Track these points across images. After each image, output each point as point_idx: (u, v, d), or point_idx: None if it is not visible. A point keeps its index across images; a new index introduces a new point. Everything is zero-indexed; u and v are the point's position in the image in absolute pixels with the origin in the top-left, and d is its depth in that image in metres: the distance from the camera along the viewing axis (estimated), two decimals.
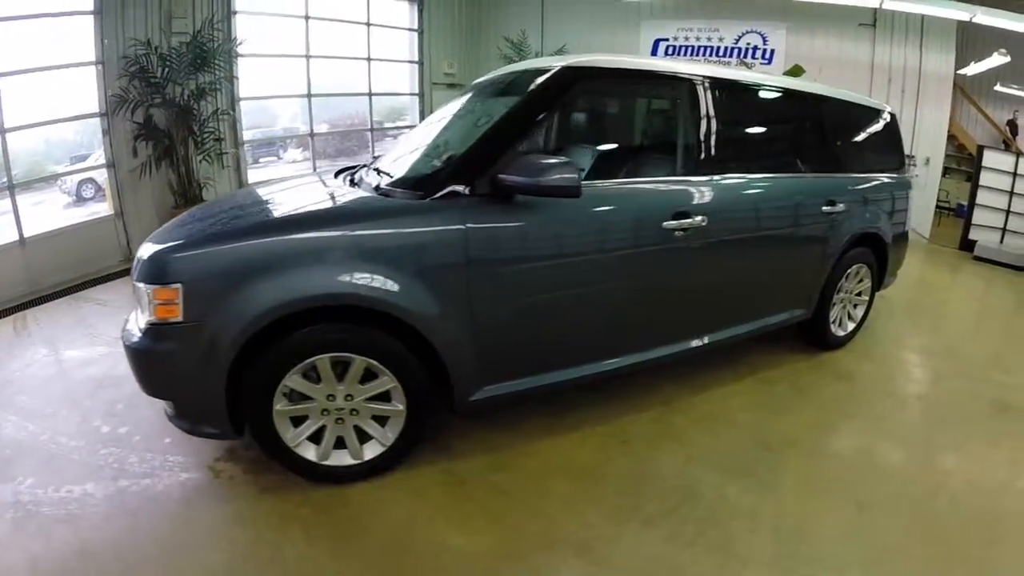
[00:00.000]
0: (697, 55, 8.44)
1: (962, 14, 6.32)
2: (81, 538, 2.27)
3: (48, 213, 8.00)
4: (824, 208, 3.70)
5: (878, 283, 4.40)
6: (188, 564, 2.14)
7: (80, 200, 8.58)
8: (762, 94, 3.59)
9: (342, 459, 2.56)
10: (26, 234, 5.82)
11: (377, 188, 2.71)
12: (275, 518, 2.39)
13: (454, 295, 2.44)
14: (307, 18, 8.04)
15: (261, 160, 10.46)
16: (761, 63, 7.84)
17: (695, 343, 3.35)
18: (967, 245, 7.07)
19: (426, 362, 2.51)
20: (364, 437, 2.59)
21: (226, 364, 2.23)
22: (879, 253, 4.26)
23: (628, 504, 2.58)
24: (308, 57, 8.17)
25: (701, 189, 3.09)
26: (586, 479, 2.73)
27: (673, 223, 2.90)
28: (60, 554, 2.19)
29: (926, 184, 7.44)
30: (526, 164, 2.42)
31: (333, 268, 2.28)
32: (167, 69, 6.55)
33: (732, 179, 3.24)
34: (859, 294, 4.29)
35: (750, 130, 3.63)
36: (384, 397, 2.52)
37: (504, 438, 3.00)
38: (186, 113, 6.83)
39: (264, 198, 2.99)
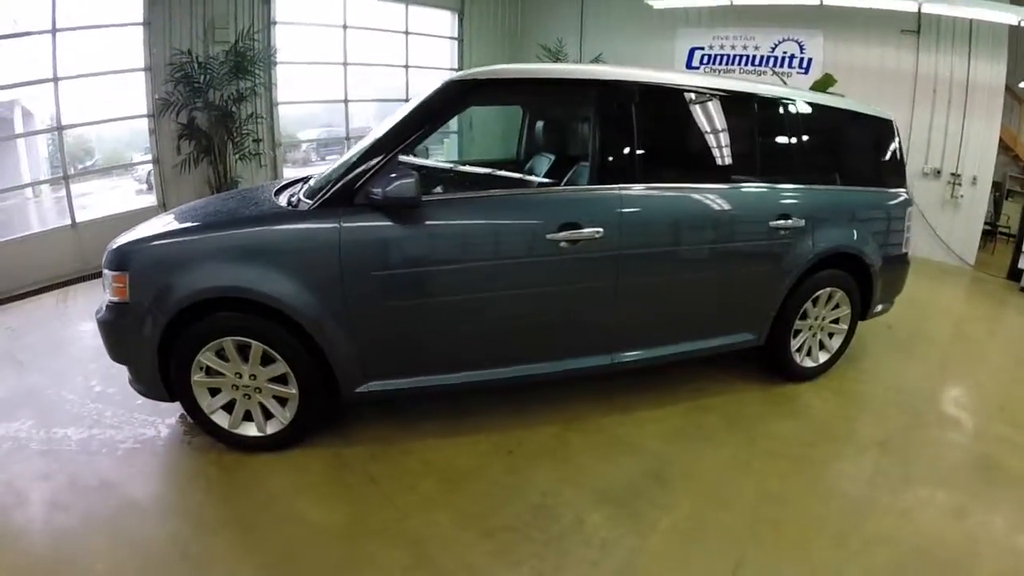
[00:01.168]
0: (732, 64, 7.96)
1: (1011, 17, 5.63)
2: (50, 467, 2.83)
3: (119, 197, 8.82)
4: (773, 223, 3.32)
5: (863, 311, 3.88)
6: (114, 494, 2.63)
7: (150, 188, 9.43)
8: (693, 98, 3.25)
9: (249, 430, 2.88)
10: (78, 219, 6.45)
11: (290, 198, 2.95)
12: (191, 471, 2.84)
13: (332, 295, 2.63)
14: (345, 27, 8.40)
15: (328, 158, 11.04)
16: (798, 72, 7.30)
17: (599, 361, 3.16)
18: (1015, 274, 6.25)
19: (314, 353, 2.71)
20: (269, 414, 2.87)
21: (156, 340, 2.63)
22: (861, 277, 3.74)
23: (478, 512, 2.55)
24: (345, 64, 8.40)
25: (600, 200, 2.91)
26: (454, 483, 2.75)
27: (559, 235, 2.78)
28: (32, 477, 2.76)
29: (972, 205, 6.68)
30: (380, 177, 2.59)
31: (228, 266, 2.59)
32: (208, 76, 7.07)
33: (643, 190, 3.00)
34: (835, 322, 3.80)
35: (673, 137, 3.32)
36: (283, 380, 2.77)
37: (399, 434, 3.11)
38: (225, 116, 7.31)
39: (213, 204, 3.25)
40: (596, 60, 9.06)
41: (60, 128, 6.70)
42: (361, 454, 2.93)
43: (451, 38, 9.70)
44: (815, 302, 3.64)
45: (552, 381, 3.27)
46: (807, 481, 2.89)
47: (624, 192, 2.95)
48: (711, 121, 3.28)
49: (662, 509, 2.62)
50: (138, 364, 2.77)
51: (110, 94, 7.24)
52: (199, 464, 2.86)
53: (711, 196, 3.22)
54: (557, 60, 9.11)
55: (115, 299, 2.67)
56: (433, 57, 9.63)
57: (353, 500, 2.62)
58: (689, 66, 8.25)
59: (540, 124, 3.89)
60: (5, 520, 2.51)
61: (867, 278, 3.77)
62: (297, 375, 2.73)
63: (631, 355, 3.22)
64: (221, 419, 2.85)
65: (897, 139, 3.97)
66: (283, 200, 2.96)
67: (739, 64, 7.80)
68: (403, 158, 2.77)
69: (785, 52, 7.42)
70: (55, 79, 6.46)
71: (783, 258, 3.41)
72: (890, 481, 2.89)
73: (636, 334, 3.24)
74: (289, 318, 2.61)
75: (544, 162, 3.69)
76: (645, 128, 3.04)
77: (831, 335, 3.86)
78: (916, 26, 6.50)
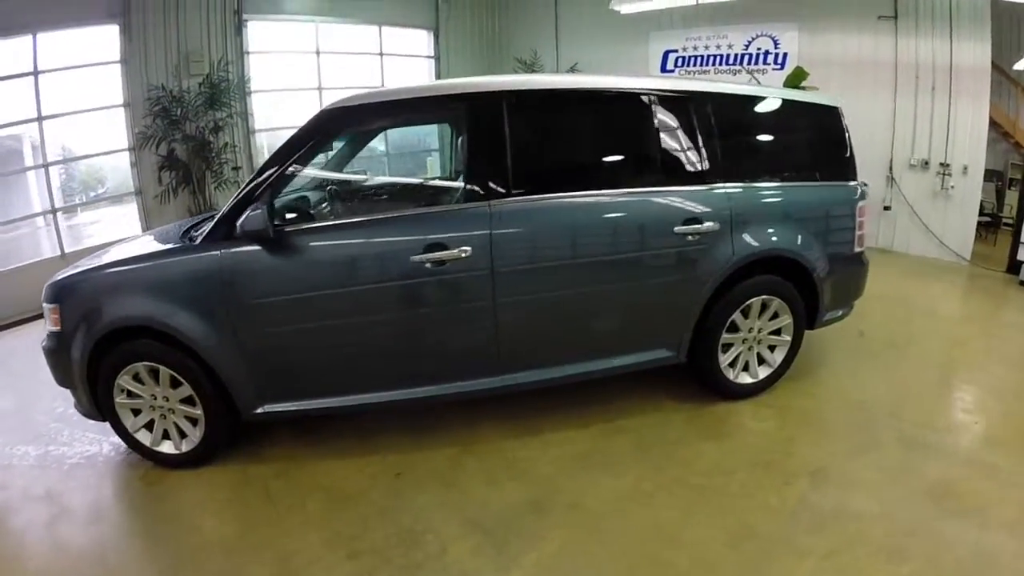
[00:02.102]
0: (707, 65, 7.57)
1: None
2: (7, 478, 3.11)
3: (126, 224, 9.00)
4: (679, 228, 2.99)
5: (810, 319, 3.48)
6: (55, 503, 2.88)
7: None
8: (575, 101, 3.03)
9: (167, 448, 3.02)
10: (67, 249, 6.59)
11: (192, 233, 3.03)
12: (120, 484, 3.06)
13: (220, 323, 2.72)
14: (318, 53, 8.40)
15: None
16: (774, 69, 6.90)
17: (488, 383, 2.98)
18: (1015, 267, 5.70)
19: (214, 376, 2.81)
20: (184, 433, 2.99)
21: (84, 366, 2.81)
22: (802, 282, 3.34)
23: (350, 534, 2.52)
24: (320, 89, 8.34)
25: (467, 217, 2.78)
26: (337, 503, 2.74)
27: (424, 256, 2.69)
28: None
29: (964, 196, 6.16)
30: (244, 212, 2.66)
31: (134, 299, 2.76)
32: (183, 109, 7.13)
33: (520, 203, 2.81)
34: (777, 333, 3.41)
35: (554, 144, 3.07)
36: (192, 401, 2.88)
37: (305, 452, 3.14)
38: (203, 146, 7.34)
39: (130, 243, 3.39)
40: (572, 69, 8.88)
41: (47, 165, 6.87)
42: (266, 472, 2.99)
43: (428, 57, 9.61)
44: (746, 313, 3.27)
45: (444, 403, 3.17)
46: (713, 516, 2.52)
47: (495, 207, 2.77)
48: (598, 124, 3.04)
49: (535, 541, 2.41)
50: (76, 388, 2.94)
51: (103, 127, 7.40)
52: (128, 478, 3.07)
53: (601, 204, 2.97)
54: (533, 72, 8.99)
55: (52, 329, 2.87)
56: (411, 77, 9.52)
57: (247, 516, 2.69)
58: (664, 69, 7.92)
59: (409, 145, 3.81)
60: None
61: (810, 284, 3.36)
62: (201, 397, 2.84)
63: (523, 377, 3.01)
64: (144, 437, 3.00)
65: (844, 128, 3.54)
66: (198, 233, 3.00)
67: (714, 64, 7.45)
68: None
69: (760, 49, 7.06)
70: (39, 118, 6.62)
71: (695, 266, 3.08)
72: (816, 517, 2.49)
73: (526, 355, 3.02)
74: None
75: (409, 184, 3.60)
76: (520, 138, 2.85)
77: (773, 348, 3.46)
78: (893, 11, 6.08)
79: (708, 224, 3.04)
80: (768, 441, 3.10)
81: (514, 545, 2.39)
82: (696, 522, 2.49)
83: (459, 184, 2.93)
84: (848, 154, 3.57)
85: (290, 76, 8.26)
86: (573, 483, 2.77)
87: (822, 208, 3.45)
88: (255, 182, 2.72)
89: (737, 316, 3.26)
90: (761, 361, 3.47)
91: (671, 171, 3.12)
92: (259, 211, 2.59)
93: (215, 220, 2.76)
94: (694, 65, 7.67)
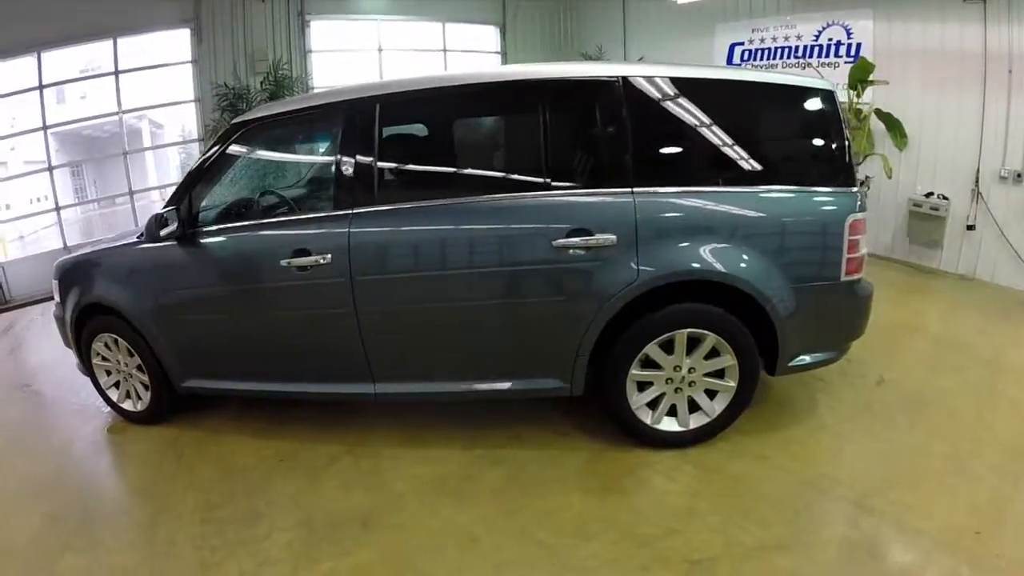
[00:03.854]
0: (774, 58, 6.71)
1: None
2: (18, 412, 3.90)
3: None
4: (560, 241, 2.54)
5: (770, 363, 2.82)
6: (40, 431, 3.64)
7: None
8: (444, 100, 2.75)
9: (127, 405, 3.48)
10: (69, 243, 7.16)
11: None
12: (94, 428, 3.58)
13: (153, 308, 3.06)
14: (380, 50, 8.55)
15: None
16: (846, 62, 5.89)
17: (363, 389, 2.92)
18: None
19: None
20: (140, 395, 3.41)
21: (73, 331, 3.36)
22: (753, 315, 2.66)
23: (215, 503, 2.76)
24: None
25: (329, 224, 2.73)
26: (225, 474, 2.99)
27: (292, 260, 2.72)
28: (36, 410, 3.95)
29: None
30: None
31: (97, 282, 3.24)
32: (247, 104, 7.61)
33: (380, 210, 2.71)
34: (719, 375, 2.78)
35: (420, 148, 2.93)
36: (142, 370, 3.28)
37: (226, 428, 3.41)
38: None
39: (118, 235, 3.89)
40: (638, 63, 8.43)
41: (126, 152, 7.64)
42: (190, 438, 3.31)
43: (494, 53, 9.44)
44: (668, 348, 2.71)
45: (355, 402, 3.31)
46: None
47: (355, 215, 2.68)
48: (472, 123, 2.76)
49: (338, 553, 2.37)
50: (73, 349, 3.48)
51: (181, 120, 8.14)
52: (100, 426, 3.59)
53: (466, 212, 2.69)
54: None
55: (56, 300, 3.47)
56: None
57: (159, 471, 3.06)
58: (730, 64, 7.19)
59: (300, 154, 3.75)
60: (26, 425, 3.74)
61: (766, 317, 2.66)
62: (147, 368, 3.21)
63: (395, 388, 2.90)
64: (112, 394, 3.48)
65: (837, 120, 2.72)
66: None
67: (781, 57, 6.57)
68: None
69: (831, 39, 6.09)
70: (120, 112, 7.39)
71: (584, 287, 2.60)
72: None
73: (397, 367, 2.89)
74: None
75: (292, 192, 3.45)
76: (389, 143, 2.76)
77: (713, 394, 2.84)
78: None
79: (600, 237, 2.54)
80: (661, 510, 2.51)
81: (323, 550, 2.39)
82: None
83: (331, 191, 2.89)
84: (842, 153, 2.74)
85: (352, 73, 8.50)
86: (414, 506, 2.62)
87: (787, 222, 2.69)
88: (175, 191, 3.01)
89: (654, 350, 2.70)
90: (697, 407, 2.86)
91: (562, 173, 2.70)
92: (152, 218, 2.89)
93: (149, 219, 2.98)
94: (761, 59, 6.80)
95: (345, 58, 8.44)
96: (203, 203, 3.03)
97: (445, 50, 8.93)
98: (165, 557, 2.41)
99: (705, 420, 2.86)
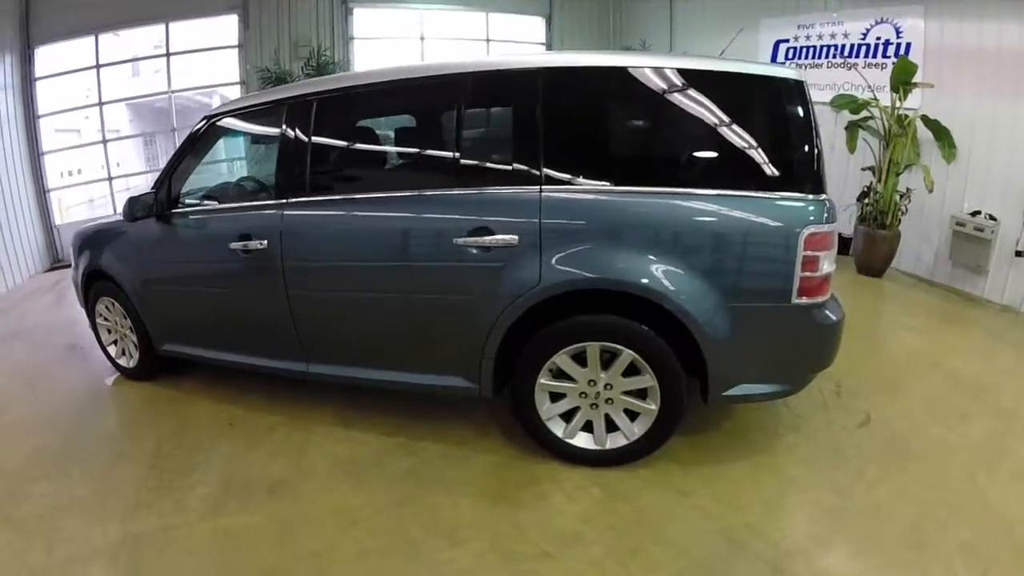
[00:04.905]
0: (819, 57, 6.17)
1: None
2: (42, 360, 4.31)
3: None
4: (461, 240, 2.44)
5: (703, 388, 2.54)
6: (56, 378, 4.00)
7: None
8: (357, 98, 2.83)
9: (124, 363, 3.85)
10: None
11: None
12: (98, 379, 3.94)
13: (136, 277, 3.40)
14: (422, 39, 8.53)
15: None
16: (895, 63, 5.40)
17: (297, 367, 3.08)
18: None
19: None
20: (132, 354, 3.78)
21: (83, 294, 3.80)
22: (678, 333, 2.41)
23: (165, 453, 3.06)
24: None
25: (266, 213, 2.89)
26: (184, 431, 3.27)
27: (237, 244, 2.89)
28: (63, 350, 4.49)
29: None
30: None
31: (96, 253, 3.60)
32: None
33: (306, 203, 2.83)
34: (640, 396, 2.54)
35: (339, 145, 2.99)
36: (132, 331, 3.62)
37: (199, 389, 3.70)
38: None
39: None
40: None
41: (174, 129, 8.02)
42: (169, 395, 3.64)
43: (539, 44, 9.21)
44: (581, 360, 2.51)
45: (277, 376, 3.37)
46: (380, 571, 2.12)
47: (287, 204, 2.83)
48: (388, 121, 2.87)
49: (241, 509, 2.57)
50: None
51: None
52: (105, 375, 3.98)
53: (376, 206, 2.72)
54: None
55: (72, 265, 3.85)
56: None
57: (134, 420, 3.47)
58: (774, 63, 6.71)
59: (258, 147, 4.01)
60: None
61: (689, 337, 2.39)
62: (136, 330, 3.54)
63: (324, 369, 3.02)
64: (112, 351, 3.84)
65: (799, 115, 2.37)
66: None
67: (826, 57, 6.05)
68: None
69: (879, 38, 5.49)
70: (169, 92, 7.76)
71: (485, 287, 2.49)
72: None
73: (324, 349, 3.00)
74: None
75: (250, 182, 3.78)
76: (317, 137, 2.82)
77: (635, 415, 2.60)
78: None
79: (500, 238, 2.41)
80: (545, 529, 2.32)
81: (228, 507, 2.59)
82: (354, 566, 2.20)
83: (272, 182, 3.02)
84: (807, 154, 2.38)
85: (394, 61, 8.53)
86: (320, 481, 2.74)
87: (725, 230, 2.37)
88: (159, 175, 3.28)
89: (565, 361, 2.52)
90: (616, 427, 2.63)
91: (474, 169, 2.59)
92: (149, 196, 3.16)
93: (125, 201, 3.26)
94: (806, 57, 6.26)
95: (387, 45, 8.46)
96: (179, 187, 3.26)
97: (488, 40, 8.81)
98: (111, 493, 2.71)
99: (624, 442, 2.64)
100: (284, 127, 2.86)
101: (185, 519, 2.51)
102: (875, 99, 5.40)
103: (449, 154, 2.67)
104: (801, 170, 2.39)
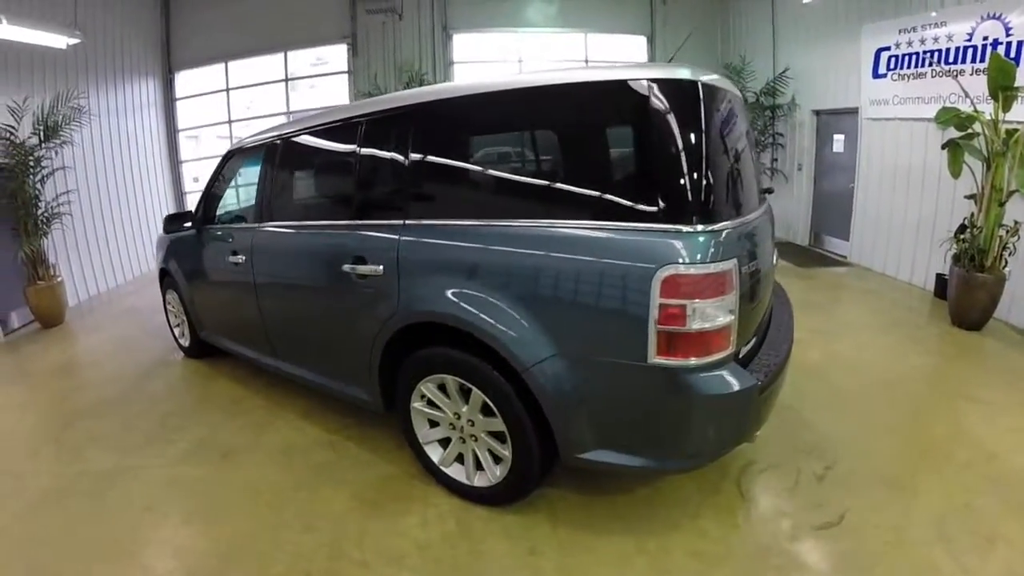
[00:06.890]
0: (922, 66, 5.14)
1: None
2: (134, 336, 5.39)
3: None
4: (347, 267, 2.66)
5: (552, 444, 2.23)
6: (134, 359, 4.78)
7: None
8: (318, 138, 3.10)
9: (183, 343, 4.72)
10: None
11: None
12: (167, 355, 4.78)
13: (183, 276, 4.26)
14: (520, 61, 8.63)
15: None
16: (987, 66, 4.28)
17: (273, 362, 3.53)
18: None
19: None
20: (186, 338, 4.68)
21: (161, 287, 4.85)
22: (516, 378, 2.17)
23: (190, 416, 3.68)
24: None
25: (244, 235, 3.46)
26: (231, 403, 3.83)
27: (231, 258, 3.50)
28: (144, 334, 5.41)
29: None
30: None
31: (164, 254, 4.51)
32: None
33: (270, 227, 3.32)
34: (502, 439, 2.37)
35: (284, 183, 3.39)
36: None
37: (237, 373, 4.30)
38: None
39: None
40: (780, 76, 7.38)
41: None
42: (205, 373, 4.37)
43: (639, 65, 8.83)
44: (444, 390, 2.50)
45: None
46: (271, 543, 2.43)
47: (256, 229, 3.40)
48: (306, 161, 3.34)
49: (195, 466, 3.07)
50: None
51: None
52: (172, 353, 4.83)
53: (304, 234, 3.09)
54: (740, 79, 7.63)
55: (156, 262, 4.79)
56: None
57: (184, 388, 4.14)
58: (876, 75, 5.73)
59: (262, 174, 4.01)
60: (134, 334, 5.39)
61: (525, 386, 2.15)
62: (187, 316, 4.37)
63: (285, 367, 3.43)
64: (176, 332, 4.75)
65: (669, 125, 1.93)
66: None
67: (930, 65, 5.07)
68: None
69: (986, 38, 4.47)
70: (287, 112, 8.75)
71: (364, 311, 2.65)
72: None
73: (284, 349, 3.42)
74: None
75: (251, 203, 4.01)
76: (277, 172, 3.34)
77: (499, 458, 2.43)
78: None
79: (369, 267, 2.57)
80: (379, 540, 2.40)
81: (188, 461, 3.12)
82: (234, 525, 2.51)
83: (252, 207, 3.52)
84: (683, 174, 1.90)
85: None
86: (259, 457, 3.13)
87: (566, 268, 2.03)
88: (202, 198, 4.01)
89: (430, 390, 2.53)
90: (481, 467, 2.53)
91: (362, 202, 2.77)
92: (178, 214, 4.04)
93: (164, 217, 4.11)
94: (909, 66, 5.34)
95: (486, 69, 8.76)
96: (210, 206, 3.94)
97: (587, 61, 8.73)
98: (126, 437, 3.42)
99: (487, 483, 2.51)
100: (262, 162, 3.42)
101: (157, 463, 3.10)
102: (977, 111, 4.44)
103: (350, 188, 2.81)
104: (674, 194, 1.91)
